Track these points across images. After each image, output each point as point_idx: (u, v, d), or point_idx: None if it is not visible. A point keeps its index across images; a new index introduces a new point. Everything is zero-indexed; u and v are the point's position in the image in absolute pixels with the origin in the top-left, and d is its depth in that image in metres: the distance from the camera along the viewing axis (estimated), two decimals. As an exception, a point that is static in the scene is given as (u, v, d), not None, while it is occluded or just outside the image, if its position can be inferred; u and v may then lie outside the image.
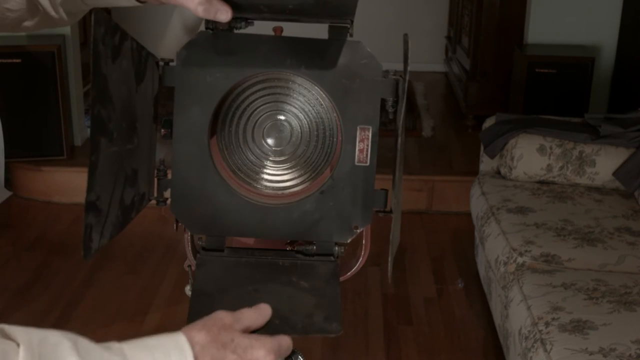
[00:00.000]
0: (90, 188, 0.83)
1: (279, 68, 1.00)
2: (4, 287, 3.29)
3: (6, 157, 4.13)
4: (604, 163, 3.13)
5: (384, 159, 1.06)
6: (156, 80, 1.00)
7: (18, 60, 4.06)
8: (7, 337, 0.71)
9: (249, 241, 1.10)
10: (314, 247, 1.04)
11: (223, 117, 1.03)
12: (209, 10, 0.88)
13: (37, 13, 1.05)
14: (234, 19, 0.97)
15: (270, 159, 1.04)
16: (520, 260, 2.60)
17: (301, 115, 1.03)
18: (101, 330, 2.94)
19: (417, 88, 5.93)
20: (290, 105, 1.03)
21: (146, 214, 1.06)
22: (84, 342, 0.75)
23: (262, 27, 1.02)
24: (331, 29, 1.00)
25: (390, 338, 3.00)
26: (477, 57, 4.98)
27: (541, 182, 3.20)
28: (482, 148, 3.40)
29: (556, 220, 2.83)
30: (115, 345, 0.77)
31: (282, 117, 1.03)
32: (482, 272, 3.12)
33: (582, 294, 2.35)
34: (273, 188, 1.05)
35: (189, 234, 1.07)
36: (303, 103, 1.03)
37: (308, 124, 1.03)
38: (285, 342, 0.87)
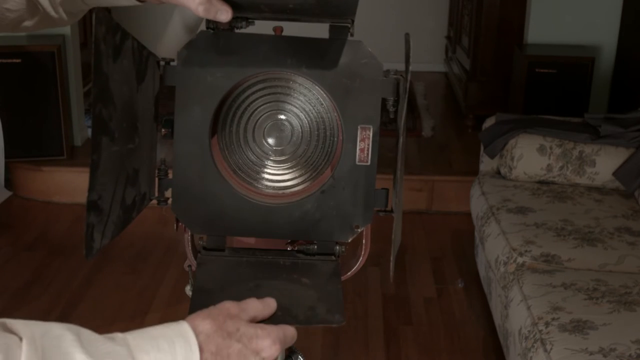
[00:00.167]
0: (91, 188, 0.83)
1: (280, 68, 1.00)
2: (4, 287, 3.29)
3: (6, 157, 4.13)
4: (604, 163, 3.13)
5: (384, 158, 1.06)
6: (157, 79, 1.00)
7: (18, 60, 4.06)
8: (9, 331, 0.71)
9: (250, 241, 1.10)
10: (315, 247, 1.04)
11: (224, 117, 1.03)
12: (210, 10, 0.89)
13: (37, 13, 1.05)
14: (234, 18, 0.97)
15: (271, 158, 1.04)
16: (520, 260, 2.60)
17: (302, 115, 1.03)
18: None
19: (417, 88, 5.93)
20: (291, 104, 1.03)
21: (146, 214, 1.06)
22: (87, 334, 0.75)
23: (263, 27, 1.02)
24: (332, 29, 1.00)
25: (390, 338, 3.00)
26: (477, 57, 4.98)
27: (541, 182, 3.20)
28: (482, 148, 3.40)
29: (556, 220, 2.83)
30: (119, 335, 0.77)
31: (282, 117, 1.03)
32: (482, 272, 3.12)
33: (582, 294, 2.35)
34: (274, 188, 1.05)
35: (189, 233, 1.07)
36: (304, 102, 1.03)
37: (309, 124, 1.03)
38: (289, 332, 0.87)
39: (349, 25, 0.99)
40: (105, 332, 0.78)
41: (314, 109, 1.03)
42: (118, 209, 0.91)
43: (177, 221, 1.04)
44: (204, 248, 1.05)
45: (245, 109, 1.03)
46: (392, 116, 1.02)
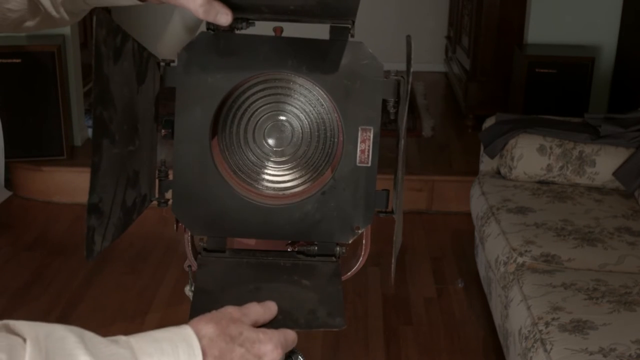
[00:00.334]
0: (92, 190, 0.83)
1: (280, 69, 1.00)
2: (4, 287, 3.29)
3: (6, 157, 4.13)
4: (604, 163, 3.13)
5: (384, 159, 1.06)
6: (157, 81, 1.00)
7: (18, 60, 4.06)
8: (13, 332, 0.71)
9: (250, 242, 1.10)
10: (315, 248, 1.04)
11: (224, 118, 1.03)
12: (209, 12, 0.89)
13: (39, 13, 1.05)
14: (235, 19, 0.97)
15: (271, 159, 1.04)
16: (520, 260, 2.60)
17: (302, 116, 1.03)
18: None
19: (417, 88, 5.93)
20: (291, 105, 1.03)
21: (146, 215, 1.06)
22: (90, 336, 0.75)
23: (263, 27, 1.02)
24: (332, 30, 1.00)
25: (390, 338, 3.00)
26: (477, 57, 4.98)
27: (541, 182, 3.20)
28: (482, 148, 3.40)
29: (556, 220, 2.83)
30: (122, 338, 0.77)
31: (283, 118, 1.03)
32: (482, 272, 3.12)
33: (582, 294, 2.35)
34: (274, 189, 1.05)
35: (189, 234, 1.07)
36: (304, 104, 1.03)
37: (309, 125, 1.03)
38: (290, 336, 0.87)
39: (350, 26, 0.99)
40: (105, 333, 0.78)
41: (314, 110, 1.03)
42: (118, 211, 0.91)
43: (177, 222, 1.04)
44: (205, 249, 1.05)
45: (246, 110, 1.03)
46: (392, 117, 1.02)
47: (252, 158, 1.04)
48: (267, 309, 0.88)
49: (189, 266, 1.09)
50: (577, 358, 2.03)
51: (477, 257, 3.28)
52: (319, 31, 1.03)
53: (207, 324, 0.81)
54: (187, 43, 1.00)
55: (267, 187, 1.05)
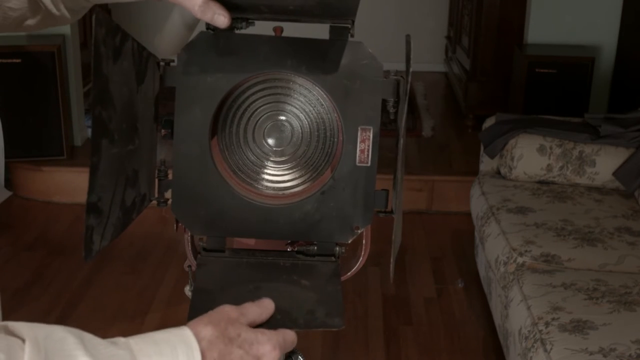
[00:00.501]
0: (91, 190, 0.83)
1: (280, 68, 1.00)
2: (4, 287, 3.29)
3: (6, 157, 4.13)
4: (604, 163, 3.13)
5: (384, 159, 1.06)
6: (157, 80, 1.00)
7: (18, 60, 4.06)
8: (11, 334, 0.71)
9: (250, 242, 1.10)
10: (315, 248, 1.04)
11: (224, 118, 1.03)
12: (206, 12, 0.89)
13: (39, 11, 1.05)
14: (234, 19, 0.97)
15: (271, 159, 1.04)
16: (520, 260, 2.60)
17: (302, 116, 1.03)
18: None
19: (417, 88, 5.93)
20: (291, 105, 1.03)
21: (146, 215, 1.06)
22: (90, 337, 0.75)
23: (263, 27, 1.02)
24: (332, 30, 1.00)
25: (390, 338, 3.00)
26: (477, 57, 4.98)
27: (541, 182, 3.20)
28: (482, 148, 3.40)
29: (556, 220, 2.83)
30: (121, 340, 0.77)
31: (282, 118, 1.03)
32: (482, 272, 3.12)
33: (582, 294, 2.35)
34: (274, 188, 1.05)
35: (189, 234, 1.07)
36: (304, 103, 1.03)
37: (309, 125, 1.03)
38: (289, 336, 0.87)
39: (350, 26, 0.99)
40: (105, 333, 0.78)
41: (314, 109, 1.03)
42: (118, 211, 0.91)
43: (177, 221, 1.04)
44: (204, 249, 1.05)
45: (245, 109, 1.03)
46: (392, 117, 1.02)
47: (252, 158, 1.04)
48: (264, 308, 0.88)
49: (189, 266, 1.09)
50: (577, 358, 2.03)
51: (477, 257, 3.28)
52: (319, 31, 1.03)
53: (205, 326, 0.81)
54: (186, 41, 1.00)
55: (266, 186, 1.05)
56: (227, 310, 0.84)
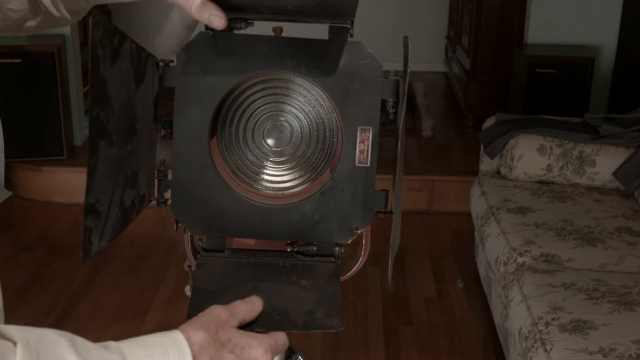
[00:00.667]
0: (89, 191, 0.83)
1: (279, 69, 1.00)
2: (4, 287, 3.28)
3: (6, 157, 4.13)
4: (604, 163, 3.13)
5: (384, 159, 1.06)
6: (156, 81, 1.00)
7: (18, 60, 4.06)
8: (3, 337, 0.71)
9: (249, 242, 1.10)
10: (315, 248, 1.04)
11: (223, 118, 1.03)
12: (203, 13, 0.90)
13: (39, 12, 1.05)
14: (233, 19, 0.97)
15: (271, 159, 1.04)
16: (520, 260, 2.60)
17: (301, 116, 1.03)
18: (101, 330, 2.94)
19: (417, 88, 5.93)
20: (291, 105, 1.03)
21: (146, 215, 1.07)
22: (81, 341, 0.75)
23: (263, 27, 1.02)
24: (331, 30, 1.00)
25: (390, 338, 3.00)
26: (477, 57, 4.98)
27: (541, 182, 3.20)
28: (482, 148, 3.40)
29: (556, 220, 2.83)
30: (112, 344, 0.77)
31: (282, 118, 1.03)
32: (482, 272, 3.12)
33: (582, 294, 2.35)
34: (273, 189, 1.05)
35: (189, 234, 1.07)
36: (303, 104, 1.03)
37: (308, 125, 1.03)
38: (281, 339, 0.87)
39: (349, 26, 0.99)
40: (105, 333, 0.78)
41: (313, 110, 1.03)
42: (116, 211, 0.91)
43: (177, 221, 1.04)
44: (204, 249, 1.05)
45: (245, 110, 1.03)
46: (391, 117, 1.02)
47: (251, 158, 1.04)
48: (253, 305, 0.88)
49: (189, 266, 1.09)
50: (577, 358, 2.03)
51: (477, 257, 3.28)
52: (319, 31, 1.03)
53: (197, 331, 0.81)
54: (186, 42, 1.00)
55: (266, 187, 1.05)
56: (217, 311, 0.84)
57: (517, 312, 2.39)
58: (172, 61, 1.02)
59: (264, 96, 1.02)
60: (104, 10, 5.45)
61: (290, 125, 1.03)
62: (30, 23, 1.07)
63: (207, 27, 0.99)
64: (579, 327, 2.16)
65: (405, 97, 0.95)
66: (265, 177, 1.05)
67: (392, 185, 1.01)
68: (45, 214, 4.08)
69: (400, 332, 3.03)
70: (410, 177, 4.07)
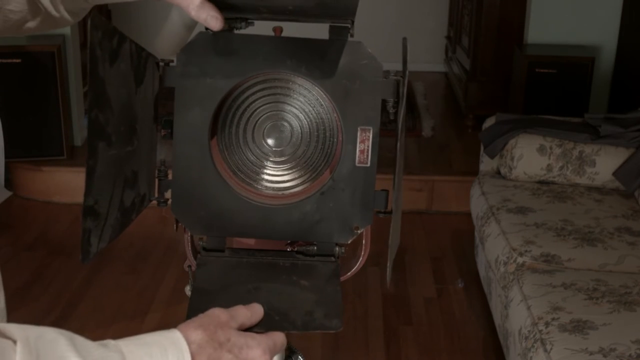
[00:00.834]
0: (88, 192, 0.83)
1: (279, 69, 1.00)
2: (4, 287, 3.29)
3: (6, 157, 4.13)
4: (604, 163, 3.13)
5: (384, 159, 1.06)
6: (156, 81, 1.00)
7: (18, 60, 4.06)
8: (2, 335, 0.71)
9: (250, 242, 1.10)
10: (315, 248, 1.04)
11: (223, 118, 1.03)
12: (200, 13, 0.90)
13: (39, 13, 1.05)
14: (234, 19, 0.97)
15: (271, 159, 1.04)
16: (520, 260, 2.60)
17: (301, 116, 1.03)
18: (101, 330, 2.94)
19: (417, 88, 5.93)
20: (291, 105, 1.03)
21: (146, 214, 1.07)
22: (81, 339, 0.75)
23: (263, 27, 1.02)
24: (332, 29, 1.00)
25: (390, 338, 3.00)
26: (477, 57, 4.98)
27: (541, 182, 3.20)
28: (482, 148, 3.40)
29: (556, 220, 2.83)
30: (111, 342, 0.77)
31: (282, 118, 1.03)
32: (482, 272, 3.12)
33: (582, 294, 2.35)
34: (273, 189, 1.05)
35: (189, 234, 1.07)
36: (303, 104, 1.03)
37: (308, 125, 1.03)
38: (279, 339, 0.87)
39: (349, 26, 0.99)
40: (105, 332, 0.78)
41: (313, 110, 1.03)
42: (116, 212, 0.91)
43: (177, 221, 1.04)
44: (204, 249, 1.05)
45: (245, 110, 1.03)
46: (392, 117, 1.02)
47: (252, 158, 1.04)
48: (254, 312, 0.88)
49: (189, 266, 1.09)
50: (577, 358, 2.03)
51: (477, 257, 3.28)
52: (319, 31, 1.03)
53: (195, 330, 0.81)
54: (186, 42, 1.00)
55: (266, 187, 1.05)
56: (217, 313, 0.84)
57: (517, 312, 2.39)
58: (172, 61, 1.02)
59: (264, 96, 1.02)
60: (104, 10, 5.45)
61: (291, 125, 1.03)
62: (30, 24, 1.07)
63: (207, 27, 0.99)
64: (579, 327, 2.16)
65: (405, 98, 0.95)
66: (266, 177, 1.05)
67: (392, 185, 1.01)
68: (45, 214, 4.08)
69: (400, 332, 3.03)
70: (410, 177, 4.07)
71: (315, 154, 1.04)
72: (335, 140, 1.03)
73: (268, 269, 1.03)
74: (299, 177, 1.05)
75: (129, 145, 0.93)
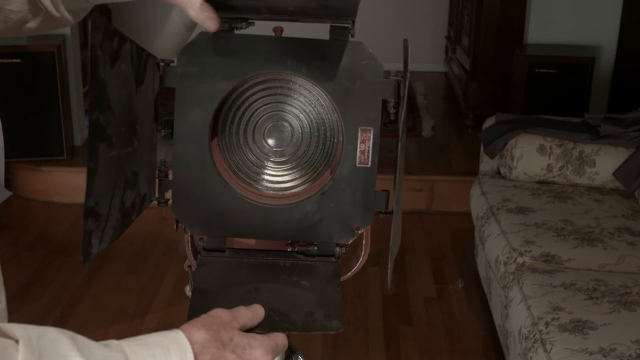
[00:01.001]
0: (88, 194, 0.83)
1: (280, 69, 1.00)
2: (4, 287, 3.28)
3: (6, 157, 4.13)
4: (604, 163, 3.13)
5: (384, 159, 1.06)
6: (157, 81, 1.00)
7: (18, 60, 4.06)
8: (5, 335, 0.71)
9: (250, 242, 1.10)
10: (315, 248, 1.04)
11: (224, 118, 1.03)
12: (199, 14, 0.90)
13: (40, 13, 1.05)
14: (234, 19, 0.97)
15: (271, 159, 1.04)
16: (520, 260, 2.60)
17: (302, 116, 1.03)
18: (101, 330, 2.94)
19: (417, 88, 5.93)
20: (291, 106, 1.03)
21: (146, 215, 1.06)
22: (83, 339, 0.75)
23: (263, 27, 1.02)
24: (332, 30, 1.00)
25: (390, 338, 3.00)
26: (477, 57, 4.98)
27: (541, 182, 3.20)
28: (482, 148, 3.40)
29: (556, 220, 2.83)
30: (113, 342, 0.77)
31: (282, 118, 1.03)
32: (482, 272, 3.12)
33: (582, 294, 2.35)
34: (274, 189, 1.05)
35: (189, 234, 1.07)
36: (304, 104, 1.03)
37: (309, 125, 1.03)
38: (281, 340, 0.88)
39: (350, 26, 0.99)
40: (105, 333, 0.78)
41: (314, 110, 1.03)
42: (117, 213, 0.91)
43: (177, 221, 1.04)
44: (204, 249, 1.05)
45: (245, 110, 1.03)
46: (392, 117, 1.02)
47: (252, 158, 1.04)
48: (255, 313, 0.88)
49: (189, 266, 1.09)
50: (577, 358, 2.03)
51: (477, 257, 3.28)
52: (319, 31, 1.03)
53: (198, 330, 0.81)
54: (185, 41, 1.00)
55: (266, 187, 1.05)
56: (219, 314, 0.85)
57: (517, 312, 2.39)
58: (173, 61, 1.02)
59: (265, 96, 1.02)
60: (104, 10, 5.45)
61: (291, 125, 1.03)
62: (31, 24, 1.07)
63: (206, 28, 0.99)
64: (579, 327, 2.16)
65: (405, 99, 0.95)
66: (266, 177, 1.05)
67: (393, 186, 1.01)
68: (45, 214, 4.08)
69: (400, 332, 3.03)
70: (410, 177, 4.07)
71: (316, 154, 1.04)
72: (335, 140, 1.03)
73: (268, 270, 1.03)
74: (299, 177, 1.05)
75: (129, 146, 0.93)
